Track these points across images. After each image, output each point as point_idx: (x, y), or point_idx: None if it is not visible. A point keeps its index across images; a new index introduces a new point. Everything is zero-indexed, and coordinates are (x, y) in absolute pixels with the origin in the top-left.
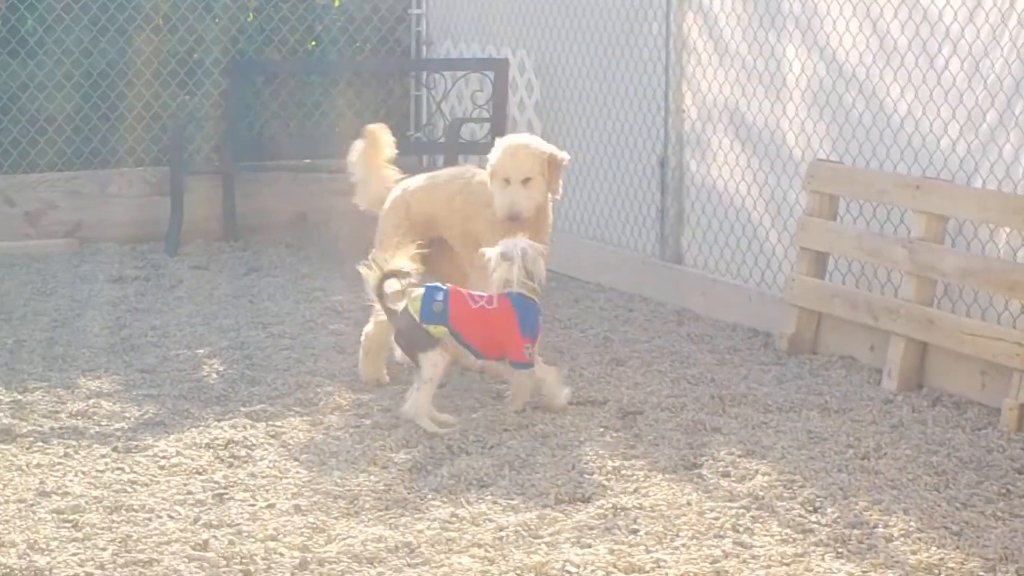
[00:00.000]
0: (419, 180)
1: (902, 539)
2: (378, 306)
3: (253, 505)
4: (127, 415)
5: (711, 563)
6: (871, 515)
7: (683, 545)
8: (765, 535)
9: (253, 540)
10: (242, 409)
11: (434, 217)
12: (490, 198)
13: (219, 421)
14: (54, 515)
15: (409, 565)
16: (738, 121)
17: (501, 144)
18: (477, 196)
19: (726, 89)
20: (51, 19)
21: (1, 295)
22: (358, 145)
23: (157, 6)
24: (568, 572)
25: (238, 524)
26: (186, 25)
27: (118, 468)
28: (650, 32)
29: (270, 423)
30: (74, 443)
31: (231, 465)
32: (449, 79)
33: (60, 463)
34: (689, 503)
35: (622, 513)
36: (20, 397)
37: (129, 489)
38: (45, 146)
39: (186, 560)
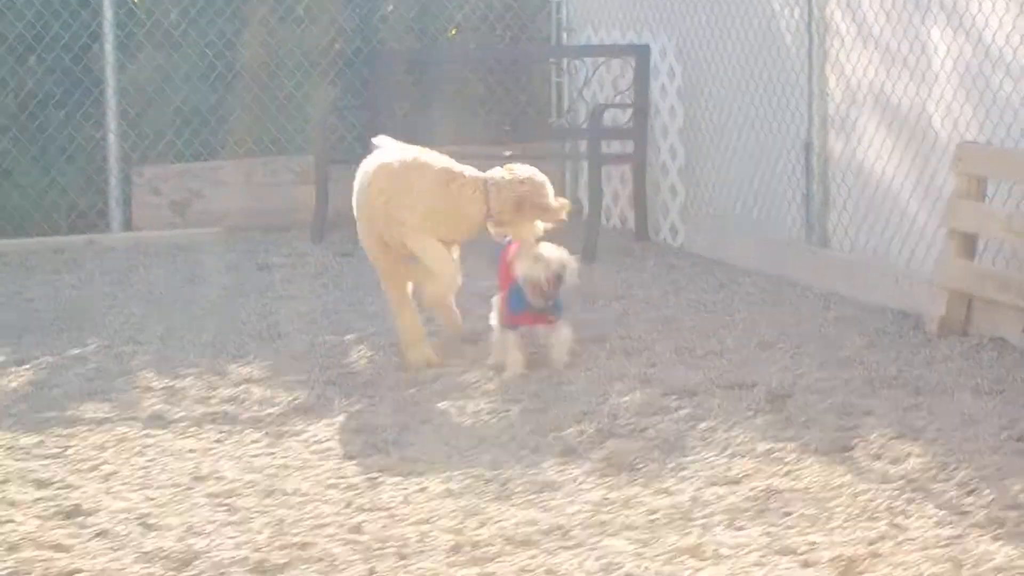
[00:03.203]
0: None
1: None
2: None
3: (405, 489)
4: (277, 401)
5: (867, 545)
6: None
7: (838, 527)
8: (921, 517)
9: (406, 523)
10: (390, 395)
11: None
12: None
13: (369, 406)
14: (209, 499)
15: (563, 548)
16: (883, 103)
17: None
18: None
19: (870, 72)
20: (194, 12)
21: (150, 284)
22: None
23: None
24: (722, 555)
25: (391, 508)
26: (327, 16)
27: (270, 453)
28: (792, 16)
29: (419, 407)
30: (226, 428)
31: (382, 450)
32: (590, 65)
33: (213, 448)
34: (842, 485)
35: (775, 496)
36: (172, 383)
37: (282, 473)
38: (191, 137)
39: (341, 543)
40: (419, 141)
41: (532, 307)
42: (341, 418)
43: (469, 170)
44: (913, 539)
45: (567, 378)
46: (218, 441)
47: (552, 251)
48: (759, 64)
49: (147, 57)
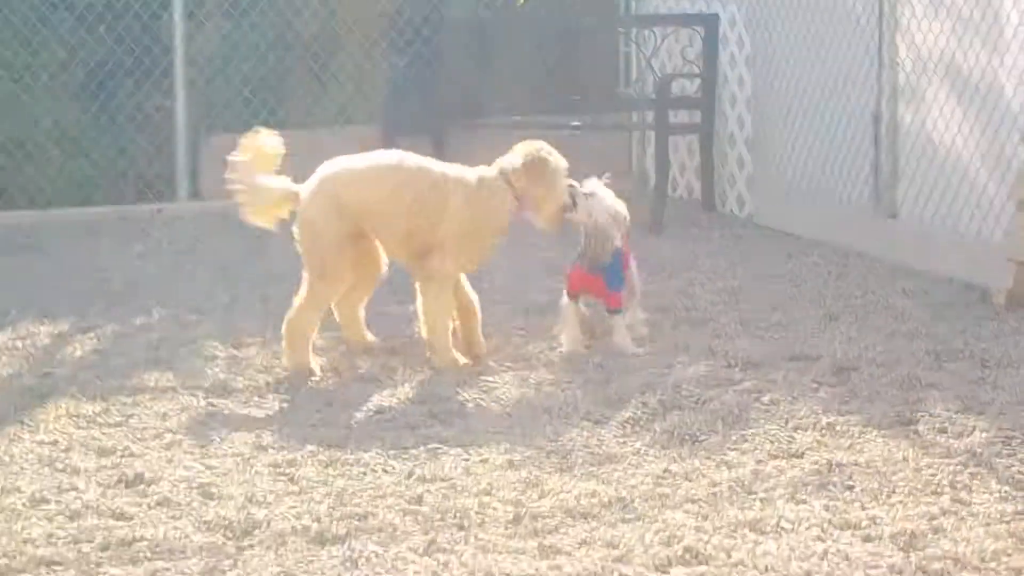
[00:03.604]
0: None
1: None
2: None
3: (466, 460)
4: (339, 370)
5: (928, 520)
6: None
7: (900, 502)
8: (984, 492)
9: (467, 494)
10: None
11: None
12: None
13: (431, 377)
14: (271, 468)
15: (623, 520)
16: (954, 73)
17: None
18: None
19: (941, 41)
20: None
21: (216, 253)
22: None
23: None
24: (783, 528)
25: (452, 478)
26: None
27: (331, 423)
28: None
29: (482, 378)
30: (288, 398)
31: (443, 421)
32: (658, 35)
33: (275, 418)
34: (905, 459)
35: (837, 469)
36: (235, 353)
37: (343, 443)
38: (258, 106)
39: (401, 513)
40: (487, 111)
41: (583, 263)
42: (403, 388)
43: (470, 170)
44: (976, 514)
45: None
46: (280, 411)
47: (606, 199)
48: (828, 33)
49: (215, 26)
